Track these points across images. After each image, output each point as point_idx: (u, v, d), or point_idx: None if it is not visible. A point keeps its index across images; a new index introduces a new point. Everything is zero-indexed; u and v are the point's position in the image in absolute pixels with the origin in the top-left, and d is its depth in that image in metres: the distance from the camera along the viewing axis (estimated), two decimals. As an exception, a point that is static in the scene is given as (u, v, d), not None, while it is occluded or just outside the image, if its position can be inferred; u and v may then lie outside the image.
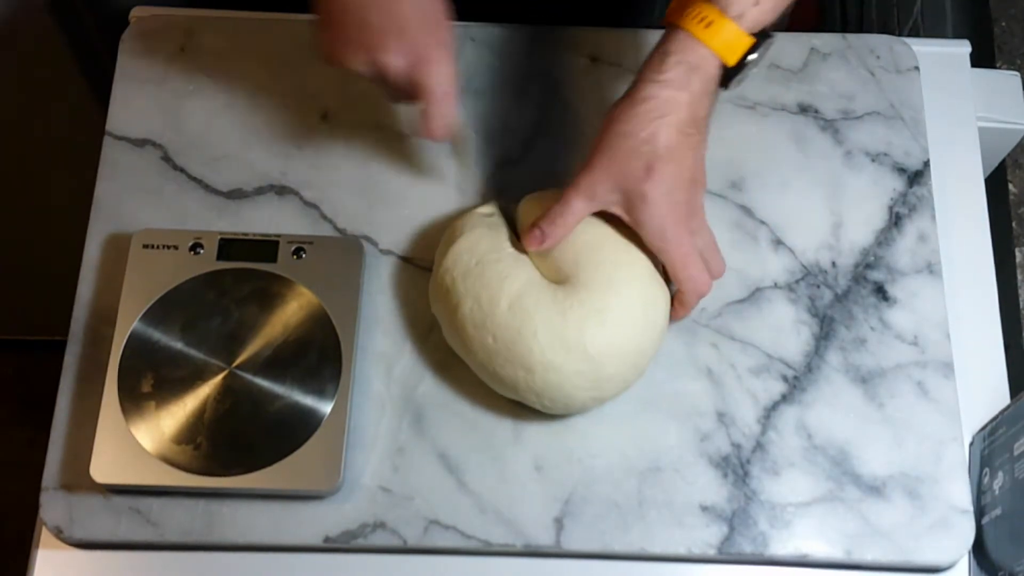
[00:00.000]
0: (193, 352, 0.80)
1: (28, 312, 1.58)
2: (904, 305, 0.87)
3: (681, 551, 0.79)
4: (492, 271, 0.79)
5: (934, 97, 0.95)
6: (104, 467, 0.77)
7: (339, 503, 0.79)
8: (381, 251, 0.87)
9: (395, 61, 0.75)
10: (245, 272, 0.83)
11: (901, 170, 0.91)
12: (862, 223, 0.89)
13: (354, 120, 0.92)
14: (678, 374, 0.84)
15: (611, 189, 0.77)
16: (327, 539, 0.78)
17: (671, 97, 0.75)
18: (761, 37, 0.76)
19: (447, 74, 0.76)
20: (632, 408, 0.82)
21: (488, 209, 0.85)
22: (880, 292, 0.87)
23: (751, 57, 0.76)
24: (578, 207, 0.78)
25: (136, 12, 0.96)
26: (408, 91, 0.77)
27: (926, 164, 0.92)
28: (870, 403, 0.83)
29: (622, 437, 0.81)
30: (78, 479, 0.78)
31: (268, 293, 0.82)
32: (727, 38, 0.75)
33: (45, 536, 0.79)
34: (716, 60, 0.76)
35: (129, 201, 0.88)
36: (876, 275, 0.88)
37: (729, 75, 0.77)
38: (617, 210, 0.78)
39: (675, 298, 0.81)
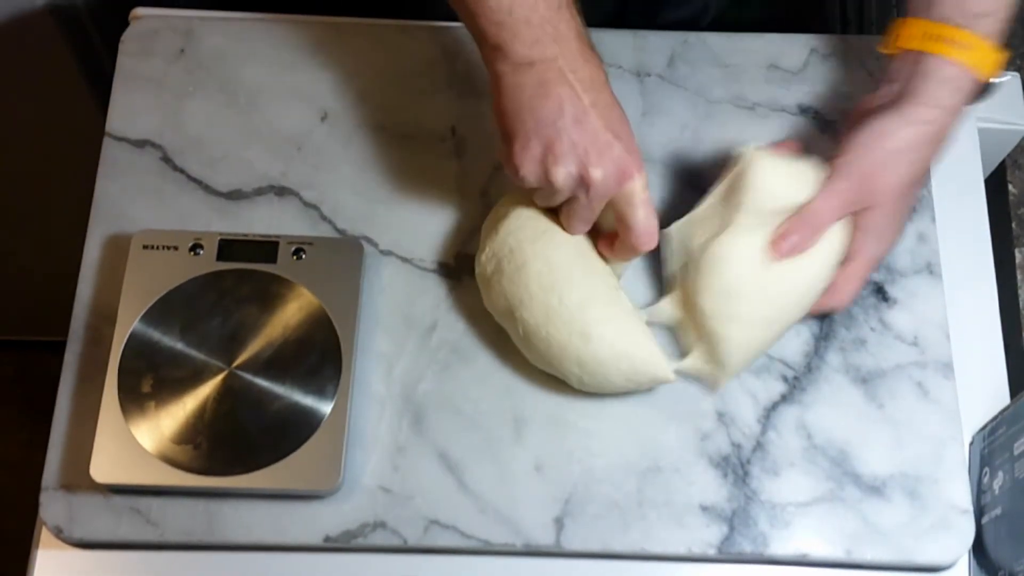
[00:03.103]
0: (193, 352, 0.80)
1: (28, 312, 1.58)
2: (904, 305, 0.87)
3: (681, 551, 0.79)
4: (564, 235, 0.80)
5: (934, 97, 0.95)
6: (104, 467, 0.77)
7: (339, 503, 0.79)
8: (381, 251, 0.87)
9: (602, 174, 0.74)
10: (245, 273, 0.83)
11: (901, 170, 0.91)
12: (862, 223, 0.89)
13: (354, 120, 0.92)
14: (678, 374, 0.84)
15: (861, 196, 0.79)
16: (327, 539, 0.78)
17: (941, 122, 0.79)
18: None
19: (646, 185, 0.76)
20: (632, 408, 0.82)
21: None
22: (880, 292, 0.87)
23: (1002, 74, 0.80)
24: (832, 215, 0.79)
25: (136, 12, 0.96)
26: (597, 203, 0.76)
27: (926, 164, 0.92)
28: (870, 403, 0.83)
29: (622, 437, 0.81)
30: (78, 479, 0.78)
31: (268, 294, 0.82)
32: (984, 57, 0.78)
33: (45, 536, 0.78)
34: (974, 80, 0.78)
35: (129, 201, 0.88)
36: (876, 275, 0.87)
37: (981, 92, 0.80)
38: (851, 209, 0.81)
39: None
